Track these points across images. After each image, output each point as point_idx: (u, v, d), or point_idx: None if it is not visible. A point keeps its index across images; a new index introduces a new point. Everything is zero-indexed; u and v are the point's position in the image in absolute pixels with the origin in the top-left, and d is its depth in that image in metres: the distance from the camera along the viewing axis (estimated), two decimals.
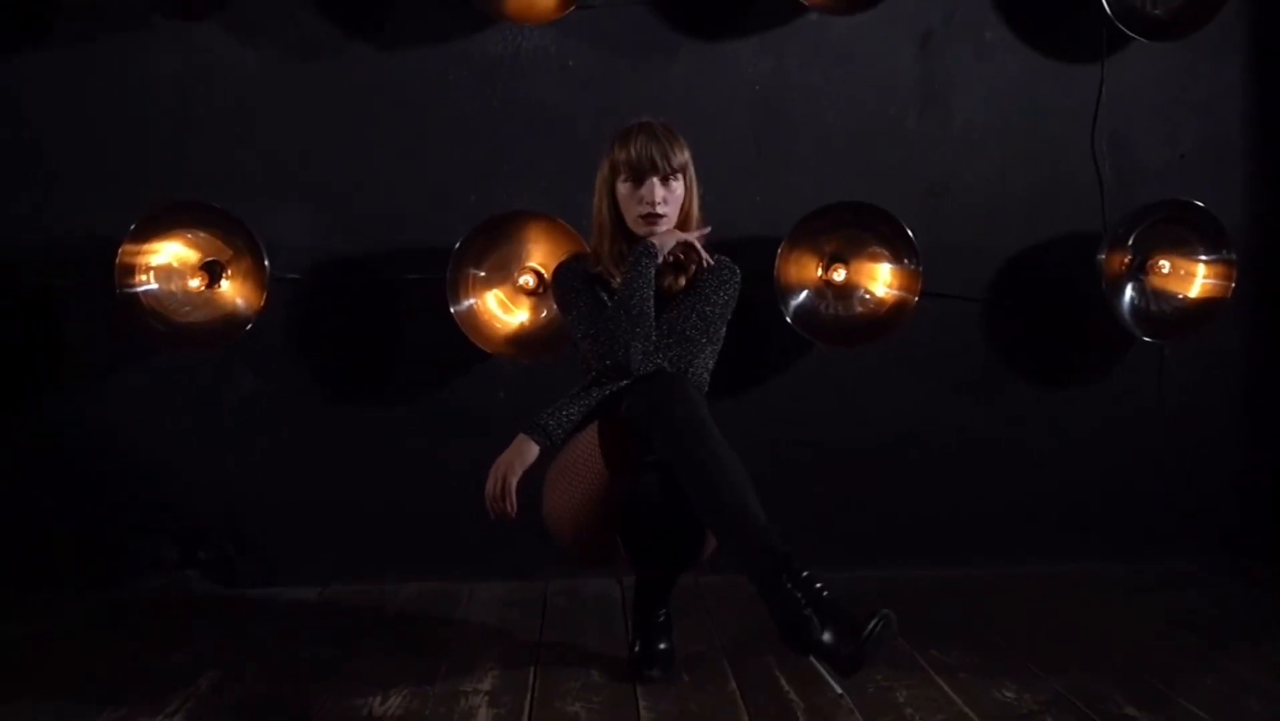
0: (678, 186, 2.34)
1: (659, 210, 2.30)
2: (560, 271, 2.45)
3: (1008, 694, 2.22)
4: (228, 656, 2.50)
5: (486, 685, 2.31)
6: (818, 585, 1.95)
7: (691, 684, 2.30)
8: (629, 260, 2.31)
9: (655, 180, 2.30)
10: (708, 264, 2.36)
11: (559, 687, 2.29)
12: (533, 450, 2.28)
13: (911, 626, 2.59)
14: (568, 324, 2.42)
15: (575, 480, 2.26)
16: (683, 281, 2.38)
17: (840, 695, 2.21)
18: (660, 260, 2.32)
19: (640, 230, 2.33)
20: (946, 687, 2.25)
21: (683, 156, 2.34)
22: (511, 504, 2.25)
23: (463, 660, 2.46)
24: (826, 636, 1.90)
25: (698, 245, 2.36)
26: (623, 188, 2.34)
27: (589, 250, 2.47)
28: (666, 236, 2.33)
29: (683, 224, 2.37)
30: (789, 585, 1.95)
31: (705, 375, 2.43)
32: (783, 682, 2.29)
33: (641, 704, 2.19)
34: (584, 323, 2.34)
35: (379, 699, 2.22)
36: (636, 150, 2.30)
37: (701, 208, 2.42)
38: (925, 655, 2.43)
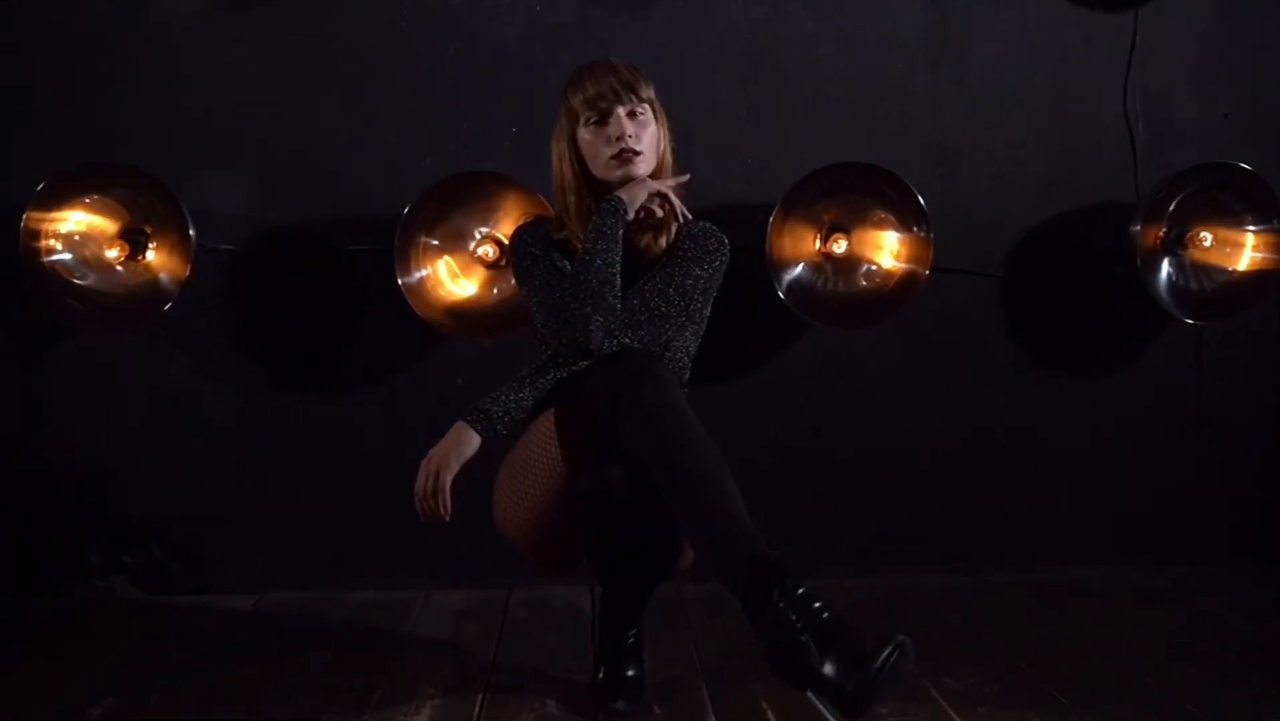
0: (648, 121, 2.03)
1: (632, 145, 1.99)
2: (517, 236, 2.13)
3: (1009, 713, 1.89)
4: (136, 677, 2.18)
5: (424, 716, 1.99)
6: (816, 604, 1.62)
7: (663, 717, 1.98)
8: (593, 220, 1.99)
9: (620, 111, 2.00)
10: (684, 218, 2.06)
11: (523, 703, 1.97)
12: (472, 441, 1.93)
13: (920, 645, 2.27)
14: (522, 296, 2.10)
15: (528, 477, 1.94)
16: (663, 242, 2.08)
17: None
18: (630, 216, 1.99)
19: (614, 174, 2.02)
20: (944, 703, 1.93)
21: (648, 89, 2.05)
22: (445, 505, 1.91)
23: (403, 683, 2.14)
24: (827, 668, 1.58)
25: (672, 196, 2.03)
26: (585, 133, 2.03)
27: (553, 213, 2.15)
28: (635, 188, 2.01)
29: (657, 170, 2.06)
30: (780, 603, 1.62)
31: (686, 360, 2.10)
32: (770, 717, 1.96)
33: None
34: (539, 294, 2.02)
35: None
36: (595, 85, 2.00)
37: (675, 156, 2.10)
38: (937, 682, 2.10)
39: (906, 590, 2.73)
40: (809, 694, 1.64)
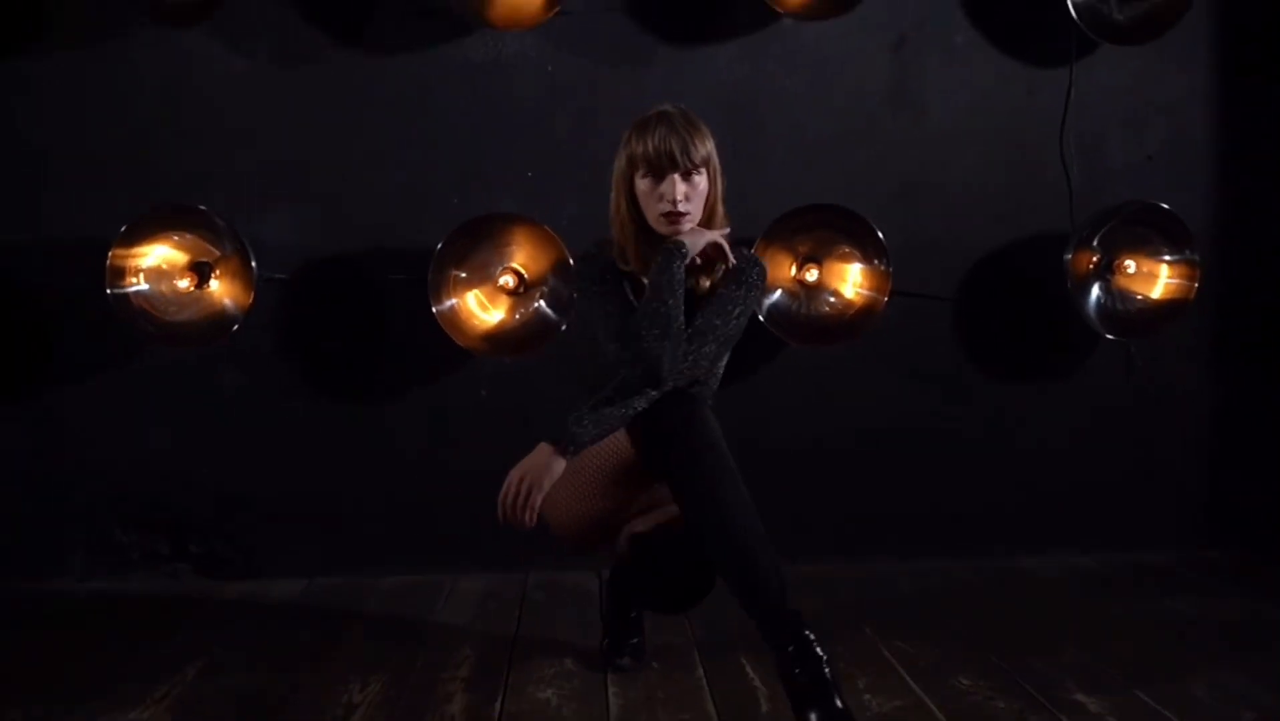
0: (700, 181, 2.20)
1: (681, 209, 2.17)
2: (585, 263, 2.32)
3: (964, 681, 2.30)
4: (213, 647, 2.58)
5: (463, 672, 2.39)
6: (823, 657, 1.96)
7: (660, 671, 2.39)
8: (658, 261, 2.17)
9: (676, 177, 2.18)
10: (732, 265, 2.25)
11: (533, 675, 2.37)
12: (560, 465, 2.14)
13: (880, 620, 2.69)
14: (592, 320, 2.28)
15: (580, 470, 2.20)
16: (707, 283, 2.27)
17: None
18: (689, 260, 2.19)
19: (662, 229, 2.21)
20: (906, 676, 2.33)
21: (705, 149, 2.20)
22: (532, 516, 2.15)
23: (441, 650, 2.54)
24: (813, 717, 1.92)
25: (725, 246, 2.24)
26: (641, 183, 2.20)
27: (613, 239, 2.31)
28: (695, 235, 2.20)
29: (707, 219, 2.25)
30: (790, 648, 1.96)
31: (721, 371, 2.37)
32: (748, 670, 2.37)
33: (611, 690, 2.28)
34: (613, 322, 2.21)
35: (358, 686, 2.31)
36: (655, 144, 2.16)
37: (724, 200, 2.30)
38: (890, 646, 2.51)
39: (873, 576, 3.12)
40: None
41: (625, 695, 2.26)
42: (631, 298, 2.26)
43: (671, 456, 2.08)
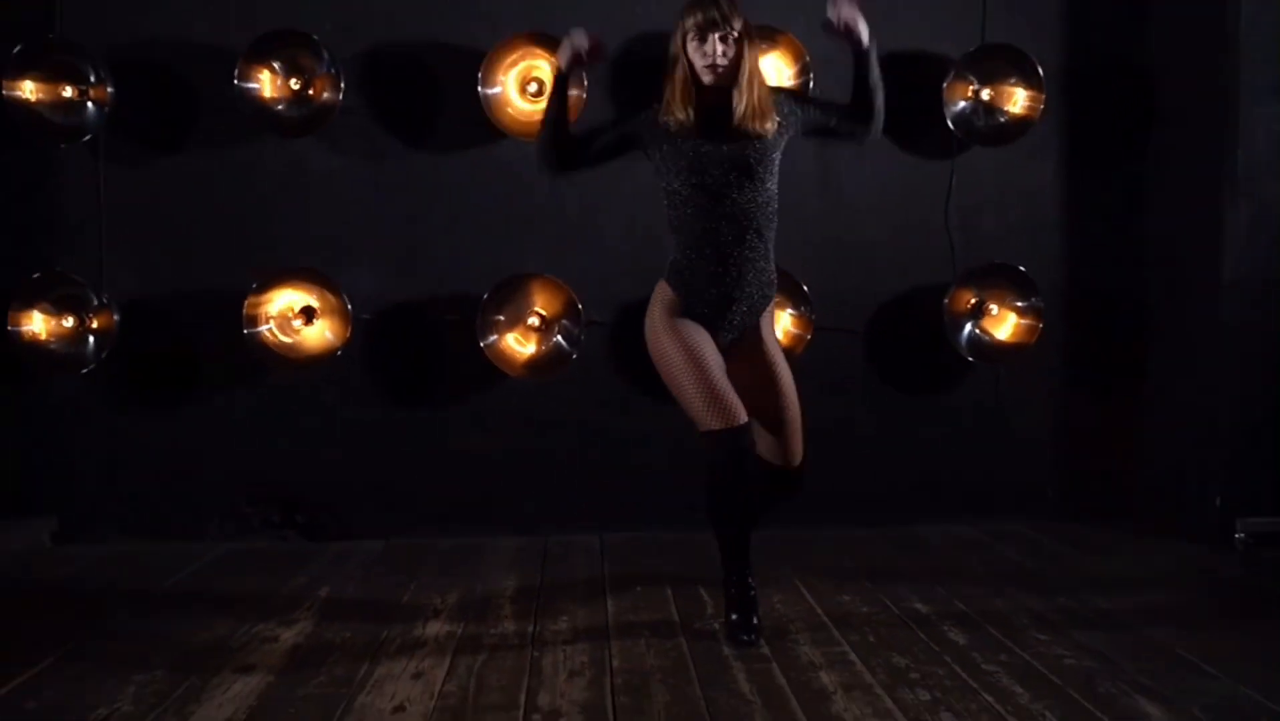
0: (735, 44, 2.96)
1: (719, 62, 2.94)
2: (644, 110, 3.13)
3: (845, 598, 3.43)
4: (329, 581, 3.70)
5: (505, 610, 3.47)
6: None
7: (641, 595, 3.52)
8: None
9: (714, 36, 2.93)
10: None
11: (559, 597, 3.50)
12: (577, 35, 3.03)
13: (801, 566, 3.81)
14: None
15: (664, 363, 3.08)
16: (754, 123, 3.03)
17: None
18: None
19: (706, 79, 2.98)
20: (806, 594, 3.46)
21: (738, 20, 2.96)
22: (577, 45, 3.01)
23: (486, 591, 3.62)
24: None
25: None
26: (691, 46, 2.97)
27: (664, 100, 3.04)
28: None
29: (749, 81, 2.97)
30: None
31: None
32: (704, 596, 3.49)
33: (610, 608, 3.40)
34: (610, 131, 3.17)
35: (439, 599, 3.44)
36: (699, 15, 2.94)
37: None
38: (803, 580, 3.63)
39: (798, 538, 4.25)
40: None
41: (618, 604, 3.38)
42: (670, 141, 3.03)
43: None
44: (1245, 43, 3.97)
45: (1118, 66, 4.45)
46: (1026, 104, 4.24)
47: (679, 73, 3.00)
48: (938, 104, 4.26)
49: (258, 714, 2.59)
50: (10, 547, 4.11)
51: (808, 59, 4.13)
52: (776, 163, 3.09)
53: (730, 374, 3.07)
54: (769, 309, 3.23)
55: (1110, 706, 2.56)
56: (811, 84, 4.12)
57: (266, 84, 4.11)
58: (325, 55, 4.09)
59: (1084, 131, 4.46)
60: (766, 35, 4.03)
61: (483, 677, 2.81)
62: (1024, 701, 2.60)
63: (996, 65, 4.26)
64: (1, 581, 3.77)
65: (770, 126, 3.02)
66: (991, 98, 4.28)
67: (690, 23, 2.94)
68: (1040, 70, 4.21)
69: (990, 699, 2.62)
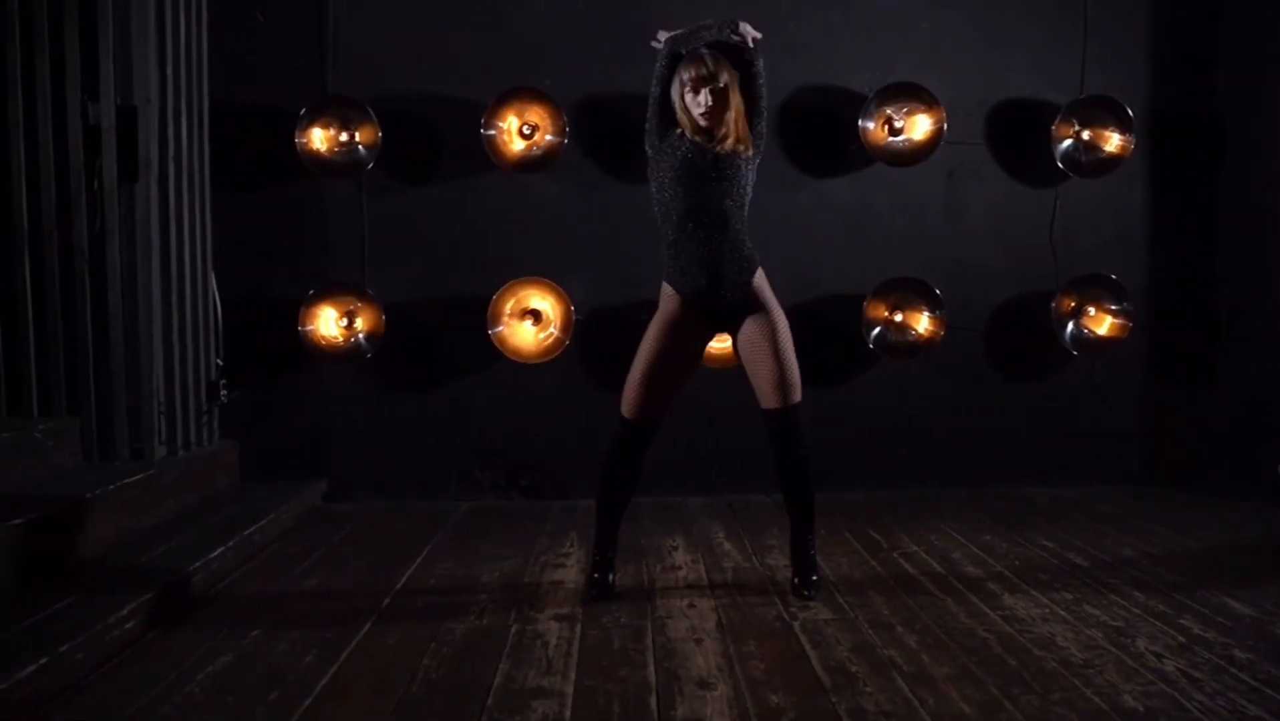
0: (722, 94, 3.45)
1: (709, 109, 3.46)
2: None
3: (986, 537, 4.38)
4: (573, 528, 4.69)
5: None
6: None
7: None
8: None
9: (705, 90, 3.44)
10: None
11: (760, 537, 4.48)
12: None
13: (943, 515, 4.75)
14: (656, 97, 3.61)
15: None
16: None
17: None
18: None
19: (701, 123, 3.48)
20: (956, 535, 4.42)
21: (724, 75, 3.45)
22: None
23: (707, 534, 4.61)
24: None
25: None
26: (686, 93, 3.47)
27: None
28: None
29: (735, 121, 3.49)
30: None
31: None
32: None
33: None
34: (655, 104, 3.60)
35: (671, 545, 4.43)
36: (692, 72, 3.45)
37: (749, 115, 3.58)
38: (948, 526, 4.58)
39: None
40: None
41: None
42: (681, 150, 3.51)
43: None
44: None
45: (1194, 109, 5.38)
46: (1119, 144, 5.17)
47: (678, 106, 3.54)
48: (1045, 143, 5.20)
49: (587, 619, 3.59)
50: (290, 505, 5.11)
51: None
52: (752, 173, 3.60)
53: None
54: (759, 274, 3.63)
55: (1205, 602, 3.52)
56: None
57: (508, 130, 5.07)
58: (552, 102, 5.02)
59: (1165, 163, 5.39)
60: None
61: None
62: (1141, 600, 3.55)
63: (1095, 112, 5.18)
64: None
65: (746, 150, 3.57)
66: (1091, 138, 5.21)
67: (686, 77, 3.47)
68: (1131, 113, 5.14)
69: (1116, 598, 3.57)
